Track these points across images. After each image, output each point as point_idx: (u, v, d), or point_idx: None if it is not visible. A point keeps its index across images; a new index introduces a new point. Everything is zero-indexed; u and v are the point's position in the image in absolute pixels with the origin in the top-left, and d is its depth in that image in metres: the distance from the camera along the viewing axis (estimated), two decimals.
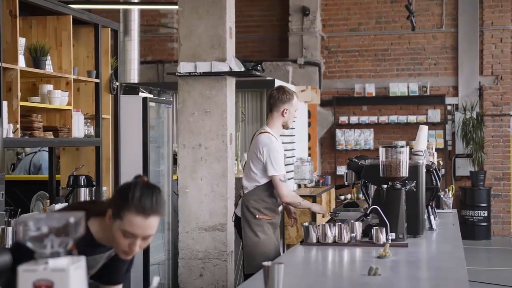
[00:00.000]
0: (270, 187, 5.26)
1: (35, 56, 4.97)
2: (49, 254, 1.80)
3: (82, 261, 1.83)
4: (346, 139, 13.26)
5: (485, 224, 12.59)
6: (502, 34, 12.96)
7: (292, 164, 10.22)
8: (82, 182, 5.56)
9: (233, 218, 5.51)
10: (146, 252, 6.40)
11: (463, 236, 12.25)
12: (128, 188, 2.66)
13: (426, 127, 5.96)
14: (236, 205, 5.49)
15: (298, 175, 10.24)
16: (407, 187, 4.67)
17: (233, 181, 6.03)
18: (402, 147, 4.60)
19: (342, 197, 12.36)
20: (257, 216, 5.23)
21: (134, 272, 6.13)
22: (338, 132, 13.28)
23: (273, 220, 5.33)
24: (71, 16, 5.36)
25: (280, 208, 5.62)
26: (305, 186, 10.61)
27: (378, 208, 4.48)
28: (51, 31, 5.32)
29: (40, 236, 1.79)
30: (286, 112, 5.30)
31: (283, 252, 7.02)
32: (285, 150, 5.76)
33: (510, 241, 12.68)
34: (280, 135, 5.45)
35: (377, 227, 4.39)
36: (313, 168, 11.50)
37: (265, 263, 2.85)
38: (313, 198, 9.39)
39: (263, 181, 5.23)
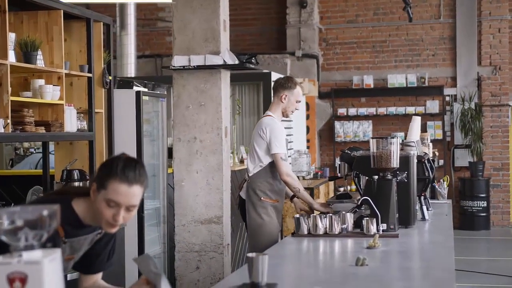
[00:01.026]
0: (274, 168, 5.38)
1: (26, 51, 4.98)
2: (23, 247, 1.81)
3: (57, 253, 1.85)
4: (345, 131, 13.27)
5: (484, 214, 12.60)
6: (500, 24, 12.94)
7: (290, 156, 10.23)
8: (76, 176, 5.57)
9: (238, 200, 5.59)
10: (140, 245, 6.43)
11: (463, 226, 12.40)
12: (112, 161, 2.74)
13: (419, 118, 5.97)
14: (240, 188, 5.57)
15: (295, 168, 10.24)
16: (398, 178, 4.68)
17: (228, 174, 6.05)
18: (392, 138, 4.61)
19: (342, 189, 12.35)
20: (262, 198, 5.35)
21: (128, 265, 6.16)
22: (337, 124, 13.29)
23: (277, 204, 5.43)
24: (62, 11, 5.37)
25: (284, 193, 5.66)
26: (303, 178, 10.62)
27: (369, 199, 4.49)
28: (42, 26, 5.32)
29: (14, 229, 1.80)
30: (285, 98, 5.45)
31: None
32: None
33: (509, 231, 12.70)
34: None
35: (367, 218, 4.40)
36: (311, 160, 11.52)
37: (249, 254, 2.86)
38: (311, 190, 9.40)
39: (267, 161, 5.35)
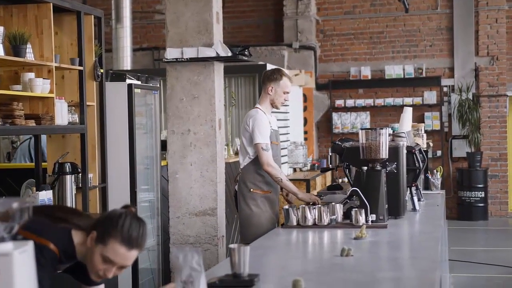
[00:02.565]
0: None
1: (15, 45, 4.98)
2: None
3: (29, 245, 1.86)
4: (343, 122, 13.27)
5: (482, 205, 12.61)
6: (498, 14, 12.91)
7: (286, 148, 10.24)
8: (67, 169, 5.59)
9: (234, 193, 5.66)
10: None
11: (461, 217, 12.41)
12: (118, 217, 2.73)
13: (410, 108, 5.97)
14: (235, 181, 5.62)
15: (291, 159, 10.26)
16: (388, 168, 4.69)
17: (222, 166, 6.06)
18: (381, 129, 4.62)
19: (339, 180, 12.36)
20: (251, 189, 5.40)
21: None
22: (335, 115, 13.29)
23: (269, 194, 5.44)
24: (51, 4, 5.36)
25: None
26: (300, 170, 10.64)
27: (358, 190, 4.50)
28: (31, 19, 5.31)
29: None
30: (271, 90, 5.47)
31: None
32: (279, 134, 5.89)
33: (507, 221, 12.71)
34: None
35: (356, 209, 4.41)
36: (309, 152, 11.52)
37: (231, 246, 2.88)
38: (307, 182, 9.41)
39: (253, 152, 5.38)
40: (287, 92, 5.52)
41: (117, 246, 2.67)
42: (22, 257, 1.81)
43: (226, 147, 8.41)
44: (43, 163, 5.96)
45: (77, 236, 2.79)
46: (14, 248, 1.82)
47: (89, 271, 2.79)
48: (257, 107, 5.49)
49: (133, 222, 2.71)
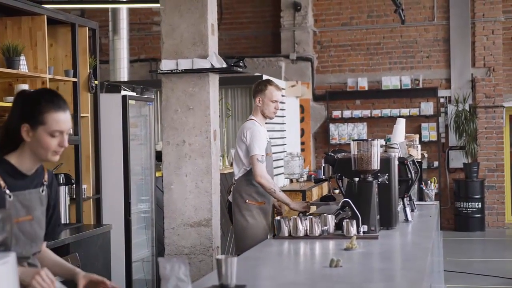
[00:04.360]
0: None
1: (8, 56, 5.01)
2: None
3: (11, 256, 1.87)
4: (340, 133, 13.29)
5: (479, 215, 12.61)
6: (494, 25, 12.95)
7: (282, 159, 10.26)
8: (61, 180, 5.60)
9: (227, 204, 5.70)
10: (128, 248, 6.44)
11: (458, 228, 12.39)
12: (36, 97, 2.88)
13: (403, 120, 5.99)
14: (228, 192, 5.68)
15: (287, 170, 10.27)
16: (379, 179, 4.70)
17: (217, 177, 6.08)
18: (373, 140, 4.64)
19: (337, 191, 12.35)
20: (247, 201, 5.46)
21: (115, 267, 6.18)
22: (332, 126, 13.31)
23: (263, 205, 5.48)
24: (45, 16, 5.39)
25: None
26: (297, 180, 10.65)
27: (350, 201, 4.52)
28: (26, 32, 5.35)
29: None
30: (260, 101, 5.58)
31: None
32: (274, 145, 5.94)
33: (504, 232, 12.70)
34: (270, 130, 5.65)
35: (348, 220, 4.42)
36: (306, 162, 11.53)
37: (218, 257, 2.89)
38: (303, 193, 9.42)
39: (249, 164, 5.46)
40: (275, 101, 5.57)
41: (55, 115, 2.83)
42: (2, 269, 1.83)
43: (221, 158, 8.43)
44: None
45: (11, 157, 2.88)
46: None
47: (45, 157, 2.87)
48: (252, 119, 5.55)
49: (51, 93, 2.91)
